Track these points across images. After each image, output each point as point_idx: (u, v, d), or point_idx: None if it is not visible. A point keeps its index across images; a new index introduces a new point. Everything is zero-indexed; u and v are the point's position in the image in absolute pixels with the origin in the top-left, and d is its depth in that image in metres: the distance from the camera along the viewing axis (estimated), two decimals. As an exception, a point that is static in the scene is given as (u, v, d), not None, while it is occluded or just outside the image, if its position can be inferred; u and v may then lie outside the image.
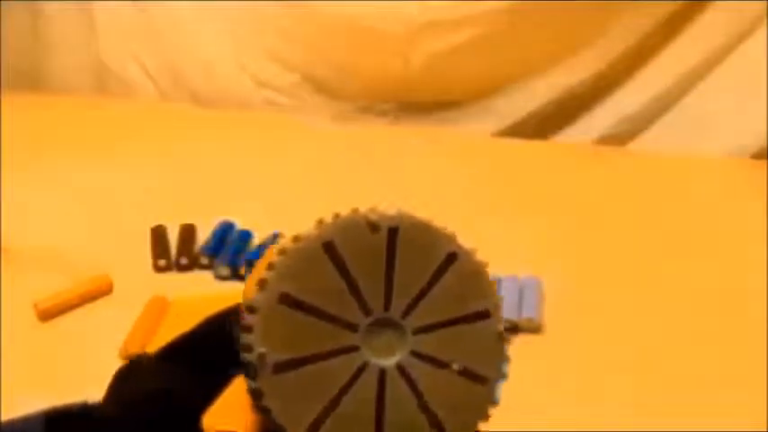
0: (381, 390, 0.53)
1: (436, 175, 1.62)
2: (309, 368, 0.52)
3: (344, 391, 0.52)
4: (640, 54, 1.79)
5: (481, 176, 1.62)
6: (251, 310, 0.51)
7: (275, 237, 1.30)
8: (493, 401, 0.56)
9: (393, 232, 0.52)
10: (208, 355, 0.66)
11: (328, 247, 0.52)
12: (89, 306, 1.14)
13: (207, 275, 1.23)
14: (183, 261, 1.24)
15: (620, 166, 1.71)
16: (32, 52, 2.07)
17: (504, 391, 0.97)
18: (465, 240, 0.54)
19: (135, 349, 0.96)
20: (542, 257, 1.29)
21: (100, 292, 1.16)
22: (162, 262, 1.24)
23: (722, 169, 1.68)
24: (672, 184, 1.60)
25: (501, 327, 0.55)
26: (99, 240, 1.33)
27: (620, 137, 1.82)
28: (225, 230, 1.33)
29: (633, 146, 1.81)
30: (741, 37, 1.72)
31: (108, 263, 1.22)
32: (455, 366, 0.54)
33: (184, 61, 2.02)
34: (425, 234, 0.54)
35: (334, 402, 0.52)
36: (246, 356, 0.52)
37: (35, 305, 1.10)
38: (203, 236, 1.31)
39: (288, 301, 0.51)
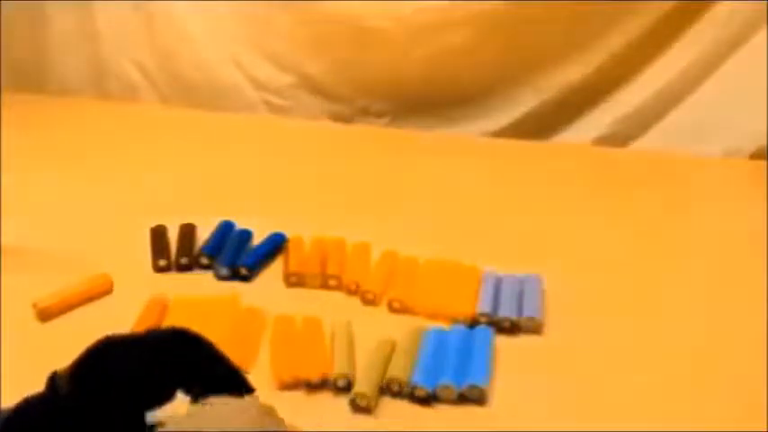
0: None
1: (435, 176, 1.62)
2: None
3: None
4: (640, 54, 1.79)
5: (481, 176, 1.61)
6: None
7: (275, 236, 1.31)
8: None
9: None
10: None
11: None
12: (89, 306, 1.13)
13: (207, 275, 1.22)
14: (183, 261, 1.24)
15: (620, 166, 1.71)
16: (33, 53, 2.07)
17: (506, 390, 0.97)
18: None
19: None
20: (543, 257, 1.29)
21: (100, 292, 1.16)
22: (162, 262, 1.24)
23: (721, 169, 1.68)
24: (672, 184, 1.60)
25: None
26: (99, 240, 1.33)
27: (619, 137, 1.82)
28: (225, 230, 1.32)
29: (633, 146, 1.81)
30: (741, 38, 1.72)
31: (108, 263, 1.22)
32: None
33: (183, 62, 2.02)
34: None
35: None
36: None
37: (35, 305, 1.10)
38: (203, 236, 1.31)
39: None
